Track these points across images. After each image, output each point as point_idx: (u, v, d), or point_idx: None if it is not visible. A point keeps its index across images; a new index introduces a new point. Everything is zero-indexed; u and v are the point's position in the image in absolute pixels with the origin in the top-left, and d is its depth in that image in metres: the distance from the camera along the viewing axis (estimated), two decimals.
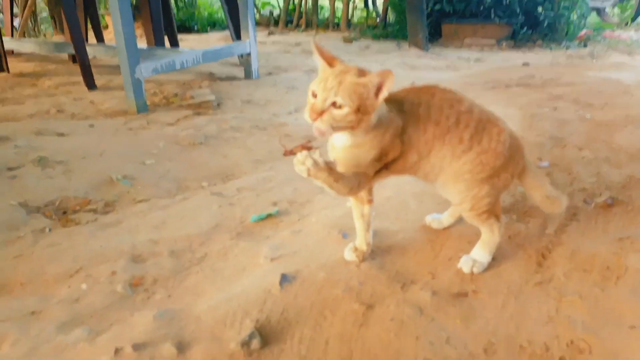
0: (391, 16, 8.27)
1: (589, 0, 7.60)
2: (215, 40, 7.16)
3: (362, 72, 1.28)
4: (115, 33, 3.25)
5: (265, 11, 9.53)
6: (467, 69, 5.86)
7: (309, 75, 4.79)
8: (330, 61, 1.32)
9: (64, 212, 2.00)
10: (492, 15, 7.16)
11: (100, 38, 5.11)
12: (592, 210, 1.93)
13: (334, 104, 1.23)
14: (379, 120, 1.32)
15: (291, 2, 8.86)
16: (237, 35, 4.60)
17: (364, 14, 8.94)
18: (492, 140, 1.43)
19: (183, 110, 3.46)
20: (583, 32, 7.50)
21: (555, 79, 4.85)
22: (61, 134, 2.82)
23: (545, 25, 7.29)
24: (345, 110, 1.23)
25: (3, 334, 1.29)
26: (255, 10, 9.00)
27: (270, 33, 8.18)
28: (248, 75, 4.47)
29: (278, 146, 2.79)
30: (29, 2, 6.01)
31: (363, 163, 1.37)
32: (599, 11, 8.71)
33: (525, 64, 5.89)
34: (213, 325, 1.30)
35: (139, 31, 6.15)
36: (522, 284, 1.46)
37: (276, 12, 9.36)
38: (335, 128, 1.27)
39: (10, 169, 2.27)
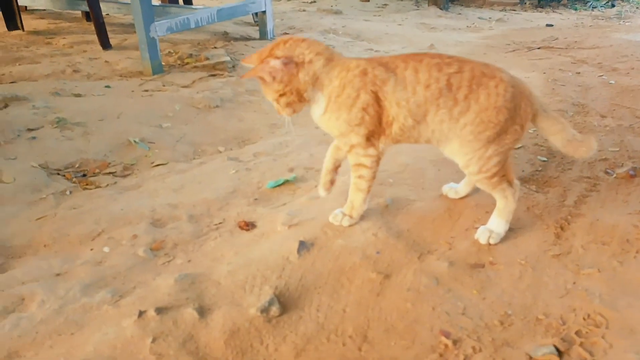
0: None
1: None
2: None
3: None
4: None
5: None
6: (487, 29, 5.69)
7: (324, 36, 4.69)
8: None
9: (84, 175, 2.02)
10: None
11: None
12: (613, 181, 1.90)
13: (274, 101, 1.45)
14: (326, 78, 1.42)
15: None
16: None
17: None
18: (490, 95, 1.39)
19: (198, 71, 3.42)
20: None
21: (579, 42, 4.69)
22: (78, 95, 2.82)
23: None
24: (274, 97, 1.44)
25: (31, 294, 1.34)
26: None
27: None
28: (263, 35, 4.39)
29: None
30: None
31: (342, 129, 1.45)
32: None
33: (549, 25, 5.69)
34: (233, 290, 1.33)
35: None
36: (540, 255, 1.46)
37: None
38: (289, 110, 1.46)
39: (29, 129, 2.28)
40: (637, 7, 6.50)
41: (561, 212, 1.68)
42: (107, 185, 1.95)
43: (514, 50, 4.47)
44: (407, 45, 4.57)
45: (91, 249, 1.55)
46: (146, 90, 2.99)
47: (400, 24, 5.61)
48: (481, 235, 1.53)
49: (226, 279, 1.38)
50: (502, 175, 1.48)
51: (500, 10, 6.93)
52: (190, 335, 1.18)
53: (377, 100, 1.42)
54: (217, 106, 2.78)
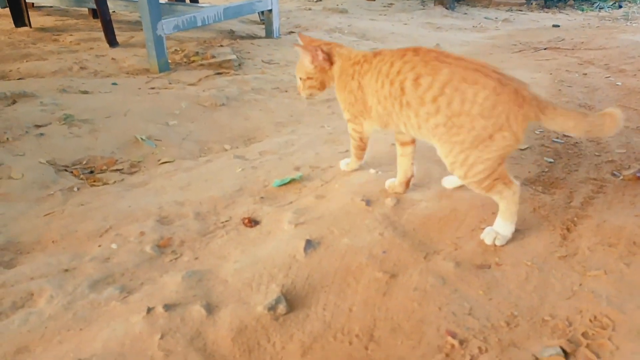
0: None
1: None
2: None
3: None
4: None
5: None
6: (494, 30, 5.68)
7: (330, 35, 4.69)
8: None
9: (91, 172, 2.04)
10: None
11: None
12: (619, 182, 1.90)
13: (300, 79, 1.79)
14: (340, 76, 1.72)
15: None
16: None
17: None
18: (464, 101, 1.38)
19: (204, 69, 3.43)
20: None
21: (586, 43, 4.68)
22: (85, 92, 2.84)
23: None
24: (303, 76, 1.77)
25: (39, 290, 1.35)
26: None
27: None
28: (269, 34, 4.39)
29: (299, 109, 2.77)
30: None
31: (348, 102, 1.72)
32: None
33: (555, 26, 5.67)
34: (240, 288, 1.34)
35: None
36: (546, 257, 1.46)
37: None
38: (308, 92, 1.81)
39: (37, 126, 2.30)
40: None
41: (568, 213, 1.68)
42: (115, 182, 1.96)
43: (520, 51, 4.46)
44: (412, 45, 4.57)
45: (99, 246, 1.56)
46: (153, 88, 3.00)
47: (406, 24, 5.61)
48: (487, 236, 1.52)
49: (233, 277, 1.39)
50: (495, 179, 1.45)
51: (507, 10, 6.92)
52: (198, 332, 1.19)
53: (360, 87, 1.64)
54: (223, 104, 2.79)
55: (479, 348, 1.14)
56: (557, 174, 1.97)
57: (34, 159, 2.03)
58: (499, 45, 4.79)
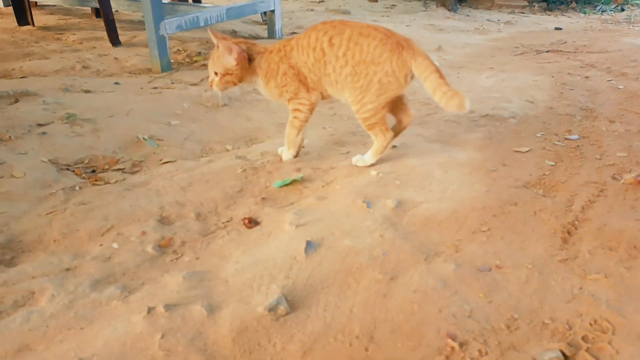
0: None
1: None
2: None
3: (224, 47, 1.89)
4: None
5: None
6: (496, 32, 5.68)
7: None
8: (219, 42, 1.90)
9: (93, 171, 2.04)
10: None
11: None
12: (620, 186, 1.90)
13: (215, 74, 1.96)
14: (260, 66, 1.95)
15: None
16: None
17: None
18: (362, 52, 1.79)
19: (206, 69, 3.43)
20: None
21: (588, 46, 4.68)
22: (87, 91, 2.85)
23: None
24: (221, 71, 1.95)
25: (41, 289, 1.35)
26: None
27: None
28: (271, 34, 4.40)
29: None
30: None
31: (283, 85, 1.94)
32: None
33: (558, 29, 5.68)
34: (241, 289, 1.34)
35: None
36: (547, 260, 1.46)
37: None
38: (223, 86, 2.00)
39: (40, 125, 2.30)
40: None
41: (568, 216, 1.68)
42: (116, 181, 1.96)
43: (522, 53, 4.46)
44: None
45: (100, 245, 1.57)
46: (155, 88, 3.01)
47: (408, 25, 5.62)
48: (355, 158, 2.03)
49: (234, 277, 1.40)
50: (377, 121, 1.90)
51: (509, 13, 6.92)
52: (198, 332, 1.19)
53: (292, 66, 1.91)
54: (224, 105, 2.79)
55: (479, 350, 1.14)
56: (558, 177, 1.97)
57: (36, 158, 2.04)
58: (501, 47, 4.79)
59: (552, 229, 1.61)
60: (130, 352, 1.13)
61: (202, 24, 3.67)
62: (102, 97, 2.75)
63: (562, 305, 1.28)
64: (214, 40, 1.93)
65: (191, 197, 1.85)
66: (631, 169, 2.03)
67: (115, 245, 1.56)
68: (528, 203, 1.75)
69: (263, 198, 1.87)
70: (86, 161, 2.10)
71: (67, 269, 1.45)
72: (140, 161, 2.15)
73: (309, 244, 1.50)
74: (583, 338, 1.17)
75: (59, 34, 4.19)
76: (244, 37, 4.33)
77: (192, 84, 3.13)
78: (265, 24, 4.53)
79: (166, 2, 4.31)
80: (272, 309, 1.24)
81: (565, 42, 4.87)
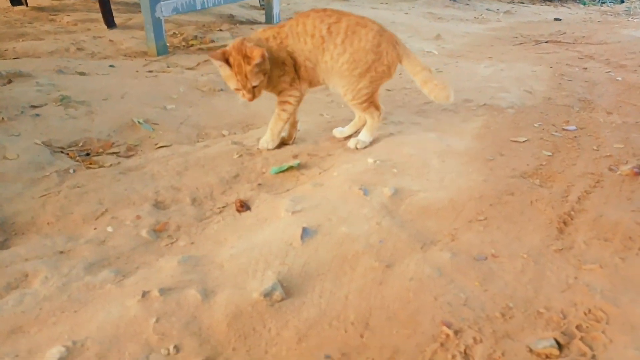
0: None
1: None
2: None
3: (246, 57, 1.79)
4: None
5: None
6: (495, 21, 5.65)
7: None
8: (224, 58, 1.80)
9: (87, 154, 2.02)
10: None
11: None
12: (617, 177, 1.90)
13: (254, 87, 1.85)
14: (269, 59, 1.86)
15: None
16: None
17: None
18: (361, 40, 1.87)
19: (203, 53, 3.40)
20: None
21: (587, 37, 4.67)
22: (82, 73, 2.81)
23: None
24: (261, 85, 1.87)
25: (34, 271, 1.34)
26: None
27: None
28: (269, 19, 4.35)
29: None
30: None
31: (282, 74, 1.92)
32: None
33: (557, 19, 5.65)
34: (236, 274, 1.34)
35: None
36: (542, 250, 1.46)
37: None
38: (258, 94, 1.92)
39: (33, 106, 2.27)
40: None
41: (565, 207, 1.68)
42: (111, 165, 1.94)
43: (521, 43, 4.44)
44: (413, 35, 4.54)
45: (94, 228, 1.56)
46: (150, 71, 2.97)
47: (407, 13, 5.57)
48: (351, 143, 2.08)
49: (229, 263, 1.39)
50: (371, 102, 2.00)
51: (508, 2, 6.88)
52: (193, 317, 1.18)
53: (289, 54, 1.91)
54: (221, 89, 2.76)
55: (474, 338, 1.14)
56: (555, 167, 1.97)
57: (30, 139, 2.01)
58: (500, 37, 4.77)
59: (549, 219, 1.61)
60: (124, 335, 1.13)
61: (198, 7, 3.62)
62: (96, 80, 2.72)
63: (557, 294, 1.28)
64: (219, 64, 1.81)
65: (187, 181, 1.83)
66: (628, 160, 2.03)
67: (109, 229, 1.55)
68: (525, 193, 1.75)
69: (259, 184, 1.86)
70: (80, 144, 2.08)
71: (61, 252, 1.43)
72: (136, 145, 2.13)
73: (305, 231, 1.49)
74: (577, 327, 1.17)
75: (53, 15, 4.12)
76: (241, 22, 4.29)
77: (188, 68, 3.09)
78: (263, 8, 4.47)
79: None
80: (267, 295, 1.24)
81: (564, 33, 4.85)
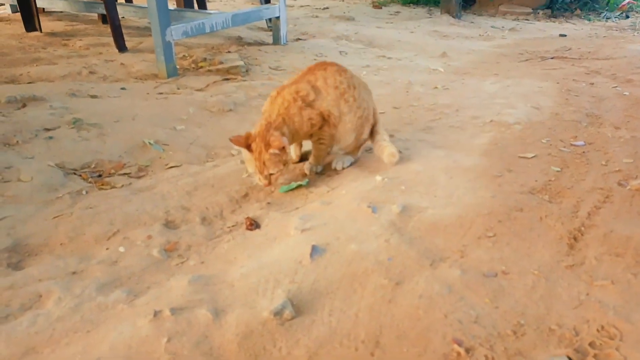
0: None
1: None
2: (242, 2, 7.06)
3: (267, 145, 1.79)
4: None
5: None
6: (500, 38, 5.69)
7: (336, 42, 4.72)
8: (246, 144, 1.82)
9: (100, 175, 2.05)
10: None
11: None
12: (626, 192, 1.89)
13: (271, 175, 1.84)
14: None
15: None
16: None
17: None
18: (365, 90, 2.10)
19: (212, 75, 3.46)
20: (625, 1, 7.17)
21: (593, 52, 4.68)
22: (94, 96, 2.86)
23: None
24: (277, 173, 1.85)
25: (47, 292, 1.36)
26: None
27: None
28: (276, 40, 4.42)
29: None
30: None
31: (311, 125, 1.93)
32: None
33: (562, 35, 5.68)
34: (246, 293, 1.34)
35: None
36: (553, 266, 1.46)
37: None
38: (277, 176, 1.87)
39: (47, 129, 2.32)
40: None
41: (574, 222, 1.68)
42: (122, 185, 1.97)
43: (527, 60, 4.46)
44: (419, 53, 4.59)
45: (107, 249, 1.57)
46: (161, 93, 3.03)
47: (412, 32, 5.63)
48: (337, 164, 2.13)
49: (239, 282, 1.40)
50: (355, 150, 2.15)
51: (513, 20, 6.93)
52: (204, 336, 1.19)
53: (311, 105, 1.93)
54: (230, 110, 2.80)
55: (485, 356, 1.14)
56: (564, 183, 1.97)
57: (43, 162, 2.05)
58: (506, 54, 4.80)
59: (558, 235, 1.61)
60: (136, 355, 1.14)
61: (207, 30, 3.69)
62: (108, 102, 2.77)
63: (568, 311, 1.27)
64: (240, 148, 1.86)
65: (197, 201, 1.85)
66: (637, 175, 2.02)
67: (121, 249, 1.57)
68: (534, 209, 1.75)
69: (268, 203, 1.87)
70: (92, 165, 2.11)
71: (74, 273, 1.45)
72: (146, 166, 2.16)
73: (314, 249, 1.50)
74: (590, 344, 1.16)
75: (66, 39, 4.22)
76: (249, 43, 4.36)
77: (197, 90, 3.15)
78: (271, 30, 4.55)
79: (172, 8, 4.34)
80: (277, 314, 1.24)
81: (570, 49, 4.87)
